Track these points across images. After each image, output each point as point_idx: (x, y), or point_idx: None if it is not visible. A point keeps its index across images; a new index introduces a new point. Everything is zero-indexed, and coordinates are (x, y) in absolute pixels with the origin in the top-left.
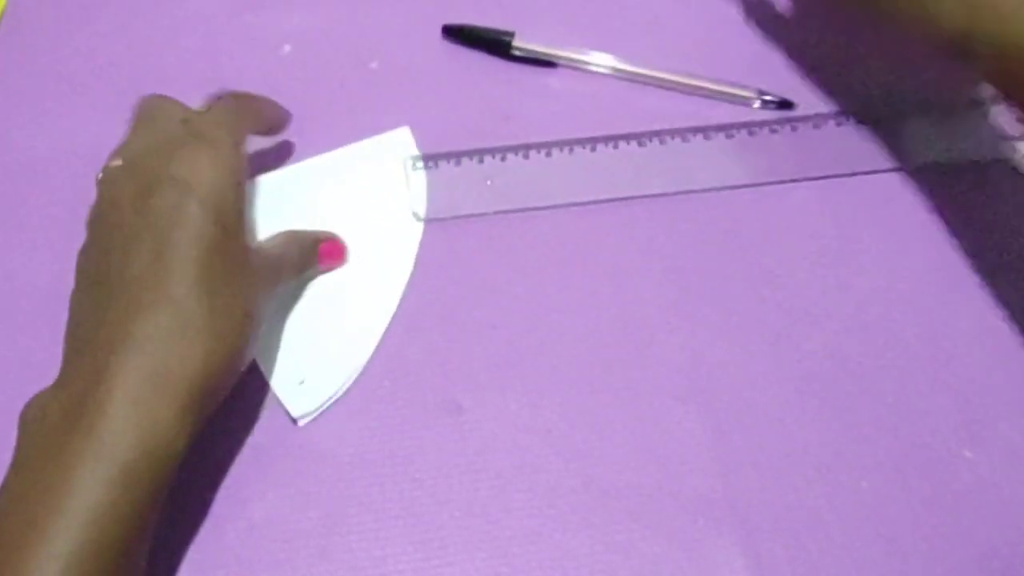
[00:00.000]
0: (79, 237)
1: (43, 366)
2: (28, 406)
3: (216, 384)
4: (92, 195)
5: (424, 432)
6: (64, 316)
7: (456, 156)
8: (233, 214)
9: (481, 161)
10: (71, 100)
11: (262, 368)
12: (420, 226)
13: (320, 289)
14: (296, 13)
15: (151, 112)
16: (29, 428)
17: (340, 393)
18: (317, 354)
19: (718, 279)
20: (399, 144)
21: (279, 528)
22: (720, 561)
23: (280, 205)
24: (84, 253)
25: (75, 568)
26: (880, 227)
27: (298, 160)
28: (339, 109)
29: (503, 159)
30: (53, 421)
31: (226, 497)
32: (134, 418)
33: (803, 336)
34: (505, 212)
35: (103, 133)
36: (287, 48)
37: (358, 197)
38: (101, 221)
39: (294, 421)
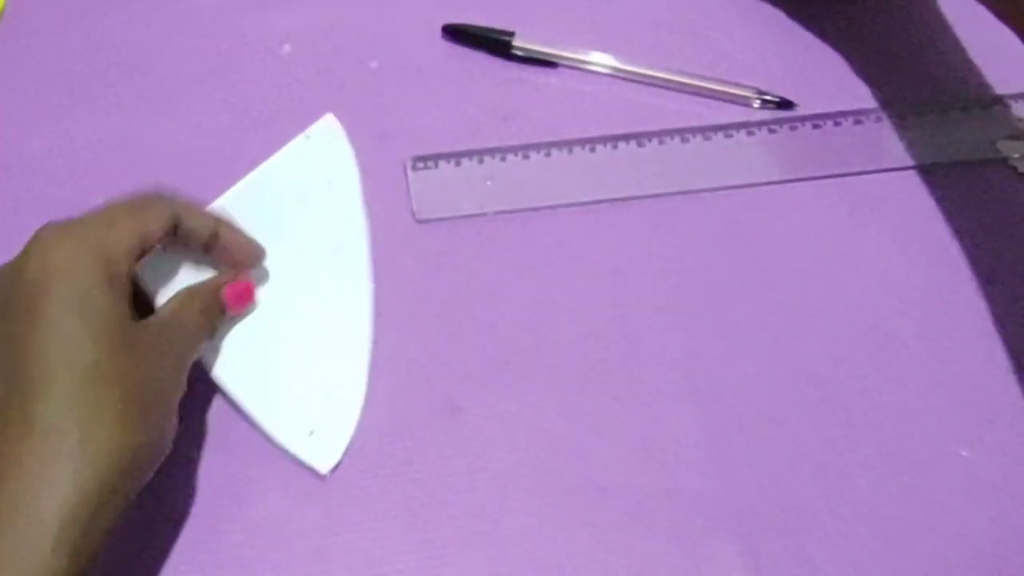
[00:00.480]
0: None
1: None
2: None
3: (103, 502)
4: (91, 195)
5: (424, 432)
6: None
7: (456, 156)
8: (105, 306)
9: (481, 161)
10: (71, 100)
11: (265, 431)
12: (363, 221)
13: (286, 324)
14: (296, 13)
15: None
16: None
17: (354, 430)
18: (313, 397)
19: (717, 279)
20: (328, 133)
21: (279, 528)
22: (718, 560)
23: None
24: None
25: None
26: (878, 227)
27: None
28: (339, 109)
29: (503, 159)
30: None
31: (227, 497)
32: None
33: (802, 336)
34: (505, 212)
35: (103, 133)
36: (287, 48)
37: (305, 202)
38: None
39: (320, 476)
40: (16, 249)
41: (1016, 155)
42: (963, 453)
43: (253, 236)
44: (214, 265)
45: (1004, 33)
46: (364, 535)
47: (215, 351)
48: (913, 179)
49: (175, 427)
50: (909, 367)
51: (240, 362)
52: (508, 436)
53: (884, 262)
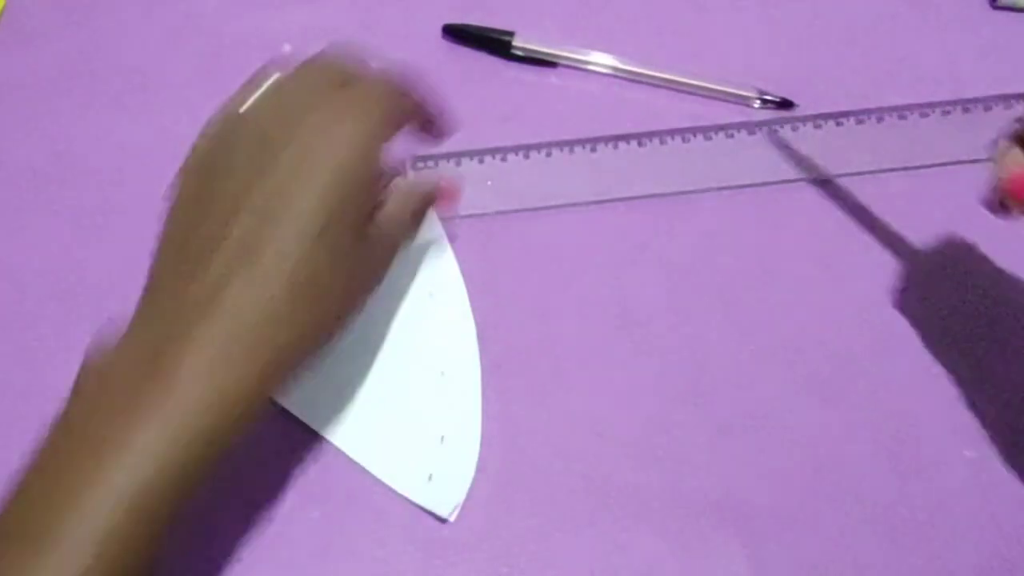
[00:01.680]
0: (79, 237)
1: (45, 366)
2: (90, 356)
3: (303, 358)
4: (91, 195)
5: None
6: (64, 313)
7: (456, 156)
8: (362, 190)
9: (481, 161)
10: (71, 100)
11: (382, 481)
12: (455, 264)
13: (393, 374)
14: (296, 13)
15: (307, 68)
16: (88, 379)
17: (475, 470)
18: (427, 439)
19: (718, 279)
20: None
21: (280, 529)
22: (721, 561)
23: None
24: (177, 205)
25: (122, 529)
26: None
27: None
28: None
29: (503, 159)
30: (120, 373)
31: (227, 498)
32: (213, 381)
33: (804, 336)
34: (505, 212)
35: (103, 133)
36: (287, 48)
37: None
38: (205, 172)
39: (443, 520)
40: (16, 249)
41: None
42: (967, 453)
43: None
44: None
45: (1006, 32)
46: (365, 535)
47: (323, 407)
48: (916, 179)
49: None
50: (912, 366)
51: (351, 418)
52: (509, 436)
53: (886, 261)
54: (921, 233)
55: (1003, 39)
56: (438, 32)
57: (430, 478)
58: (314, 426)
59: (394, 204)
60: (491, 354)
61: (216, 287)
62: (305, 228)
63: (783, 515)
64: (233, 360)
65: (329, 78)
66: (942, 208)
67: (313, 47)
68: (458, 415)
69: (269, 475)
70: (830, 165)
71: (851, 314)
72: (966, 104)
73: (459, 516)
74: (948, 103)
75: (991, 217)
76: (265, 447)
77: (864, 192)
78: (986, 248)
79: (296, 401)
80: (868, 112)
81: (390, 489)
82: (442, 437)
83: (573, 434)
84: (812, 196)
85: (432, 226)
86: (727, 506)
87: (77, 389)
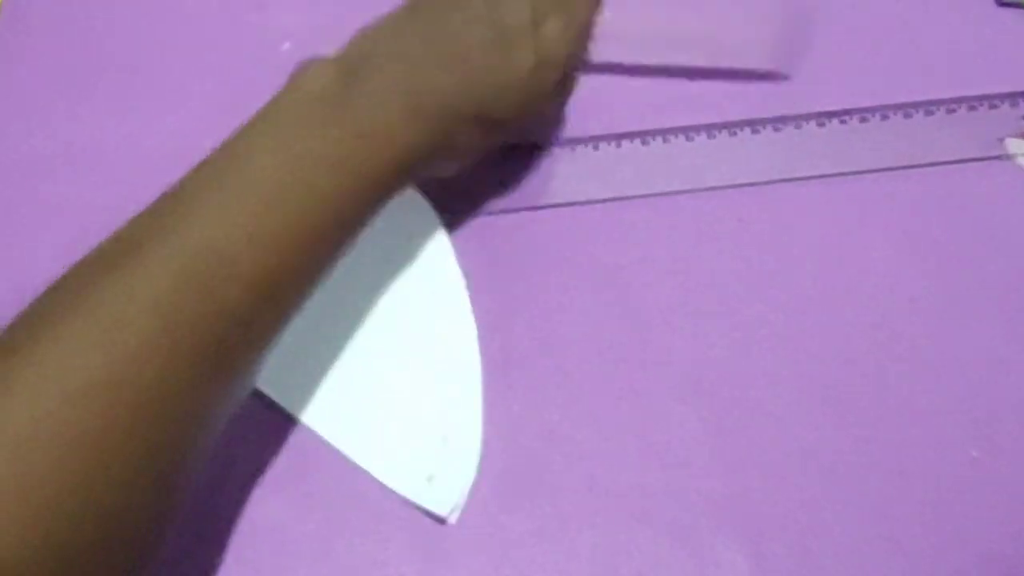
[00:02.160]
0: (79, 237)
1: None
2: (303, 66)
3: (494, 131)
4: (91, 195)
5: None
6: None
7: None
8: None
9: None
10: (71, 100)
11: (382, 480)
12: (454, 261)
13: (391, 374)
14: (296, 11)
15: None
16: (292, 88)
17: (477, 470)
18: (428, 439)
19: (719, 279)
20: None
21: (281, 530)
22: (722, 561)
23: (323, 306)
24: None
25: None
26: (886, 226)
27: None
28: None
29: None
30: (318, 87)
31: (228, 499)
32: (405, 123)
33: (807, 335)
34: (504, 212)
35: (103, 133)
36: (287, 46)
37: (394, 254)
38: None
39: (442, 521)
40: (16, 249)
41: (1019, 154)
42: (973, 453)
43: (350, 294)
44: None
45: (1012, 30)
46: (366, 537)
47: (323, 408)
48: (919, 177)
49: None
50: (917, 367)
51: (351, 419)
52: (509, 436)
53: (892, 260)
54: (929, 231)
55: (1008, 36)
56: None
57: (430, 479)
58: (314, 427)
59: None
60: (492, 353)
61: (438, 42)
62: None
63: (783, 515)
64: (426, 108)
65: None
66: (949, 206)
67: (312, 48)
68: (459, 415)
69: (268, 476)
70: (833, 163)
71: (856, 312)
72: (972, 102)
73: (460, 517)
74: (953, 100)
75: (996, 214)
76: (265, 449)
77: (871, 190)
78: (992, 245)
79: (296, 401)
80: (873, 110)
81: (390, 490)
82: (443, 437)
83: (574, 434)
84: (818, 194)
85: (433, 227)
86: (728, 506)
87: (275, 99)
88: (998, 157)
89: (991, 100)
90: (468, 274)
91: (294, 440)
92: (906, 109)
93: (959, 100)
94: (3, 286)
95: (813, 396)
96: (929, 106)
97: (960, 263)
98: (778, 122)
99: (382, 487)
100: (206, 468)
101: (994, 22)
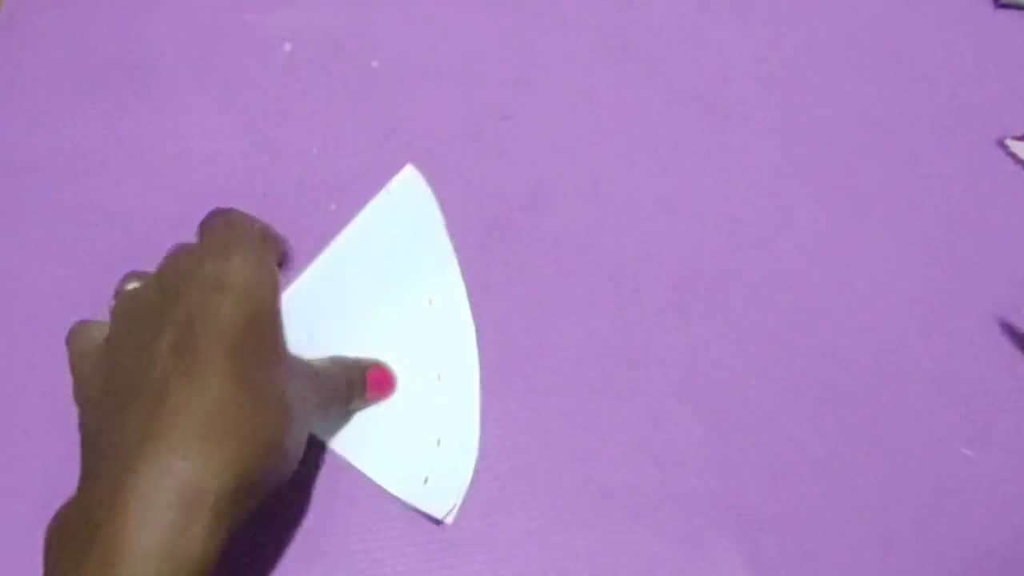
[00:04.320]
0: (79, 237)
1: (42, 367)
2: (53, 519)
3: (251, 489)
4: (91, 194)
5: None
6: (61, 315)
7: None
8: (269, 312)
9: None
10: (71, 100)
11: (377, 482)
12: (455, 267)
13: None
14: (296, 12)
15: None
16: (50, 546)
17: (472, 472)
18: (423, 442)
19: (718, 279)
20: (410, 184)
21: (279, 531)
22: (719, 560)
23: (322, 311)
24: (102, 362)
25: None
26: (884, 225)
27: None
28: (339, 108)
29: None
30: (71, 537)
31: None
32: (156, 538)
33: (802, 335)
34: (501, 213)
35: (103, 133)
36: (287, 47)
37: (394, 258)
38: (120, 331)
39: (438, 522)
40: (16, 249)
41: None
42: (966, 452)
43: (348, 298)
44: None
45: (1010, 31)
46: (363, 536)
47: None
48: (918, 178)
49: (295, 459)
50: (911, 366)
51: (347, 422)
52: (509, 436)
53: (886, 260)
54: (926, 232)
55: (1006, 38)
56: (437, 32)
57: (426, 480)
58: (312, 431)
59: (329, 361)
60: (491, 355)
61: (145, 432)
62: (222, 347)
63: (781, 514)
64: (174, 513)
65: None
66: (947, 207)
67: (312, 47)
68: (455, 418)
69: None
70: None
71: (850, 313)
72: (970, 103)
73: (458, 517)
74: (952, 101)
75: (995, 214)
76: None
77: (867, 191)
78: (991, 245)
79: None
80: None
81: (386, 491)
82: (438, 440)
83: (571, 434)
84: (811, 195)
85: (436, 232)
86: (725, 506)
87: (43, 559)
88: (997, 158)
89: (990, 101)
90: (467, 275)
91: None
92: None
93: (957, 101)
94: (3, 286)
95: (809, 395)
96: (927, 107)
97: (958, 264)
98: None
99: (379, 488)
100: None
101: (992, 23)
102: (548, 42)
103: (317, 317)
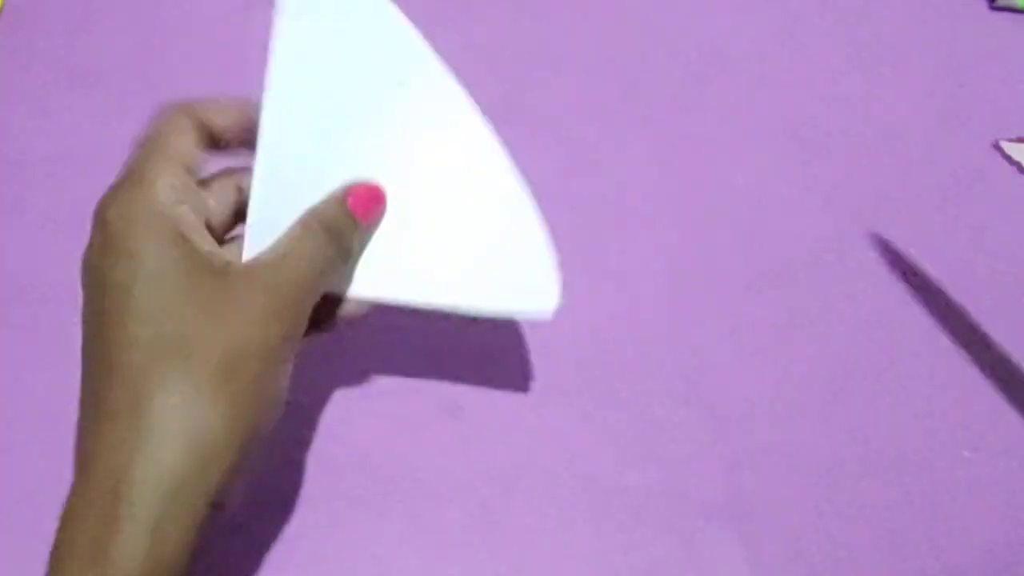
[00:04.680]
0: (79, 237)
1: (41, 367)
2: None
3: (184, 489)
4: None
5: (424, 432)
6: (60, 315)
7: None
8: (170, 270)
9: None
10: (71, 100)
11: (480, 311)
12: (421, 43)
13: (419, 195)
14: None
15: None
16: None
17: (550, 247)
18: (480, 237)
19: (719, 279)
20: None
21: (279, 530)
22: (721, 560)
23: (292, 165)
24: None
25: None
26: (883, 228)
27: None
28: None
29: None
30: (66, 533)
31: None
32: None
33: (804, 337)
34: None
35: (103, 133)
36: None
37: (336, 68)
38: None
39: (550, 314)
40: (16, 249)
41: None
42: (966, 454)
43: (313, 138)
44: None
45: (1005, 33)
46: (365, 535)
47: (384, 274)
48: (916, 180)
49: (279, 401)
50: (910, 367)
51: (412, 272)
52: (509, 436)
53: (886, 262)
54: (926, 234)
55: (1001, 40)
56: (437, 30)
57: (517, 287)
58: (382, 295)
59: (291, 234)
60: (490, 353)
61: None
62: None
63: (783, 514)
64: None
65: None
66: (947, 209)
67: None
68: (495, 189)
69: (268, 476)
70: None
71: (851, 315)
72: (966, 105)
73: (458, 518)
74: (948, 103)
75: (992, 216)
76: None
77: (866, 191)
78: (988, 247)
79: (358, 280)
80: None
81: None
82: (493, 227)
83: (572, 433)
84: (808, 196)
85: (372, 8)
86: (726, 505)
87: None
88: (992, 160)
89: (984, 103)
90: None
91: (294, 439)
92: (900, 112)
93: (952, 103)
94: (3, 286)
95: (809, 396)
96: (923, 109)
97: (956, 265)
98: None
99: (382, 486)
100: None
101: (987, 25)
102: (548, 42)
103: (290, 173)
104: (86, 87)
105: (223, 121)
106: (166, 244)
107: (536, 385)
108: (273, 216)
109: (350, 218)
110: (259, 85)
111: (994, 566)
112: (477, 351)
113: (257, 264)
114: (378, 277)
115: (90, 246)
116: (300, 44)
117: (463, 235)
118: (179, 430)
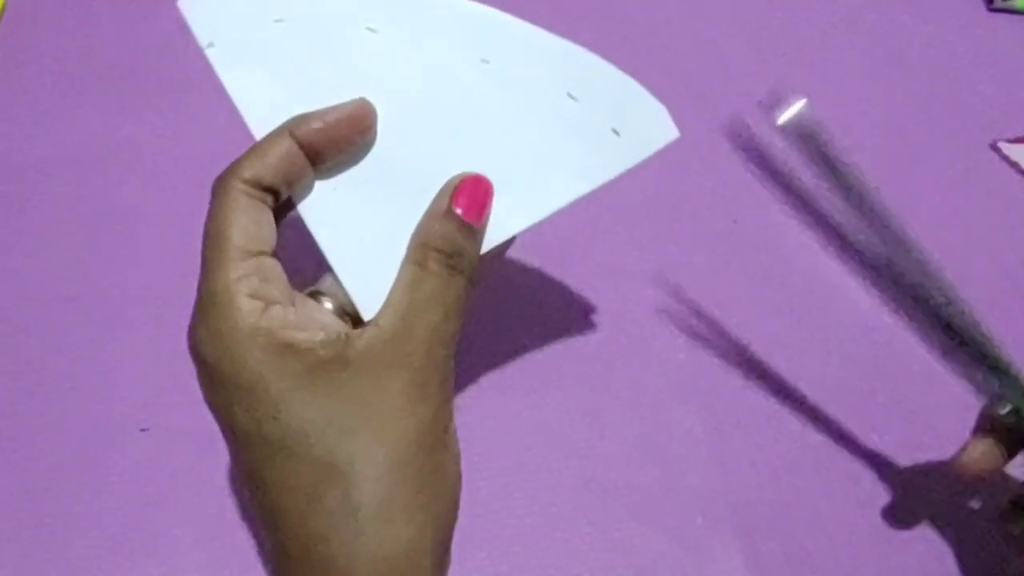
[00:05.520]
0: (79, 237)
1: (41, 367)
2: None
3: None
4: (92, 194)
5: None
6: (66, 313)
7: None
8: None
9: None
10: (71, 100)
11: (608, 177)
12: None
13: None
14: None
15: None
16: None
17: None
18: (595, 122)
19: (718, 278)
20: None
21: None
22: (719, 558)
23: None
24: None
25: None
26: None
27: None
28: None
29: None
30: None
31: (229, 497)
32: None
33: (803, 336)
34: None
35: (103, 133)
36: None
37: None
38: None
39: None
40: (16, 249)
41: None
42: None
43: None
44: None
45: (1002, 34)
46: None
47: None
48: (914, 181)
49: (456, 476)
50: (909, 367)
51: (516, 193)
52: (509, 436)
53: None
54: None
55: (999, 41)
56: None
57: (617, 131)
58: (525, 222)
59: (402, 279)
60: (492, 354)
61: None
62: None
63: (780, 513)
64: None
65: None
66: (946, 209)
67: None
68: (590, 74)
69: None
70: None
71: (850, 314)
72: (964, 105)
73: (457, 517)
74: (946, 103)
75: (989, 216)
76: None
77: None
78: (986, 247)
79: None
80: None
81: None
82: (602, 105)
83: (572, 433)
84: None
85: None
86: (725, 505)
87: None
88: (991, 161)
89: (983, 104)
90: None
91: None
92: (899, 113)
93: (951, 104)
94: (3, 286)
95: (807, 395)
96: (922, 110)
97: (954, 265)
98: None
99: None
100: (209, 470)
101: (985, 26)
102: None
103: (347, 200)
104: (86, 87)
105: (273, 174)
106: (271, 365)
107: (536, 384)
108: (357, 255)
109: (466, 228)
110: None
111: (993, 566)
112: (476, 350)
113: (380, 338)
114: (505, 214)
115: (201, 385)
116: (252, 75)
117: (564, 122)
118: (364, 566)
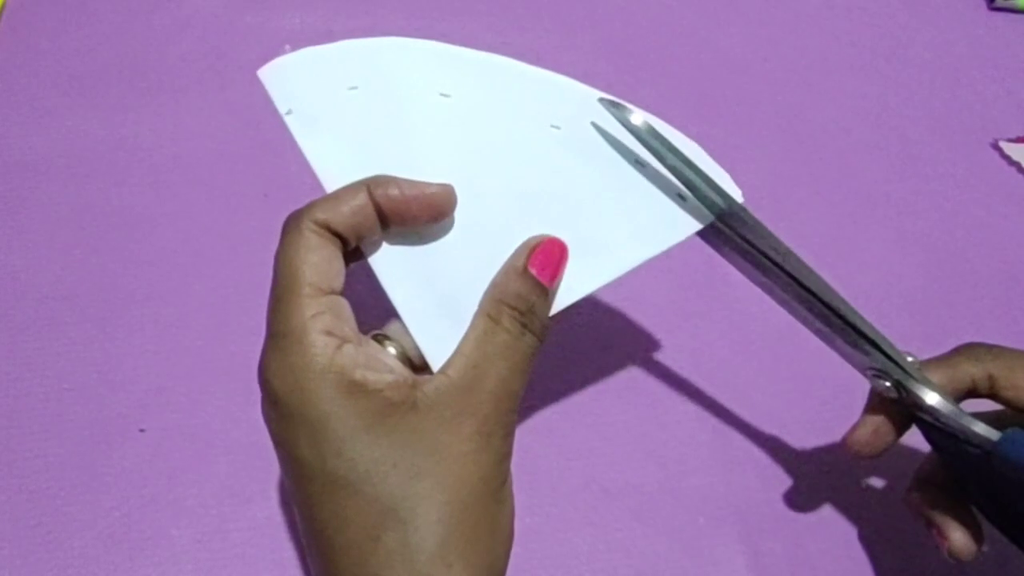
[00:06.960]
0: (79, 237)
1: (40, 366)
2: None
3: None
4: (92, 194)
5: None
6: (64, 313)
7: None
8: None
9: None
10: (71, 100)
11: (660, 248)
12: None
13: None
14: (296, 13)
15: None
16: None
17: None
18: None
19: (719, 278)
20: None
21: (281, 527)
22: (720, 559)
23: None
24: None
25: None
26: (881, 225)
27: None
28: None
29: None
30: None
31: (229, 496)
32: None
33: (803, 335)
34: None
35: (103, 133)
36: (287, 48)
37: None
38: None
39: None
40: (16, 249)
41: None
42: None
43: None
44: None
45: (1004, 33)
46: None
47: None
48: (914, 179)
49: (509, 530)
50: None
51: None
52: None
53: (886, 260)
54: (924, 232)
55: (1000, 40)
56: (437, 31)
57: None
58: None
59: (473, 336)
60: None
61: None
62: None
63: (782, 514)
64: None
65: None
66: (946, 208)
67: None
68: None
69: (271, 471)
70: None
71: None
72: (965, 105)
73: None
74: (947, 103)
75: (990, 215)
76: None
77: (864, 190)
78: (986, 246)
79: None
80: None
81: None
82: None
83: (572, 433)
84: (810, 195)
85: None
86: (726, 506)
87: None
88: (992, 160)
89: (984, 103)
90: None
91: None
92: (900, 112)
93: (952, 103)
94: (3, 286)
95: (808, 395)
96: (922, 109)
97: (954, 264)
98: None
99: None
100: (209, 469)
101: (986, 25)
102: (546, 42)
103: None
104: (86, 87)
105: (344, 222)
106: (341, 403)
107: (536, 385)
108: (425, 308)
109: (540, 288)
110: (256, 82)
111: (993, 566)
112: None
113: (449, 387)
114: (573, 277)
115: (267, 416)
116: (330, 138)
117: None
118: None
